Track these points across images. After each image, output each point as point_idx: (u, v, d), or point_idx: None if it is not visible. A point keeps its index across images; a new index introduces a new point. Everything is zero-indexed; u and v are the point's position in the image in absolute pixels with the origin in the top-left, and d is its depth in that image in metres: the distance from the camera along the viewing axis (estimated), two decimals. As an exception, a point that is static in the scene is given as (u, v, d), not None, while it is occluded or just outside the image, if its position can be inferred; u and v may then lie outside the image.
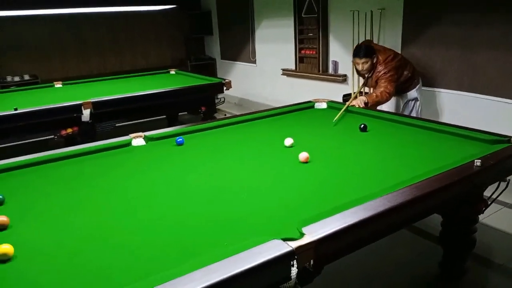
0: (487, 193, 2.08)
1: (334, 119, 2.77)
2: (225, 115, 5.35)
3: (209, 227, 1.46)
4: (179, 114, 5.55)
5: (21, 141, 4.19)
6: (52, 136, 3.83)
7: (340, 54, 5.18)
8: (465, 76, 3.92)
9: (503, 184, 2.08)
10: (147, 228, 1.47)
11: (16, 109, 3.42)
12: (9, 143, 4.24)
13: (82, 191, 1.83)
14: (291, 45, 5.76)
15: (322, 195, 1.67)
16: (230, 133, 2.66)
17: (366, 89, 4.07)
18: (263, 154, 2.25)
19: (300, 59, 5.67)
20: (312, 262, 1.30)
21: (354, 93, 3.65)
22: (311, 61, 5.53)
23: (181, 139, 2.43)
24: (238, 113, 4.59)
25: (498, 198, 2.12)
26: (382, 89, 3.32)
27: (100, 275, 1.20)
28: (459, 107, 4.00)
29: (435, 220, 2.27)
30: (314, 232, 1.29)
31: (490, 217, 2.87)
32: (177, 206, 1.64)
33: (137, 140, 2.50)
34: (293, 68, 5.80)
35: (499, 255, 2.51)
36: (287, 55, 5.90)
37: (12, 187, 1.87)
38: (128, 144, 2.46)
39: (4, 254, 1.27)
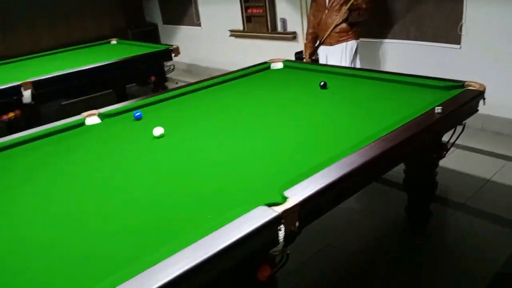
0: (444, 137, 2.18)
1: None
2: (177, 83, 5.18)
3: (188, 203, 1.40)
4: (127, 86, 5.30)
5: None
6: (-8, 123, 3.54)
7: (288, 11, 5.10)
8: (412, 25, 4.00)
9: (459, 128, 2.18)
10: (122, 212, 1.40)
11: None
12: None
13: (42, 181, 1.70)
14: (237, 5, 5.59)
15: (296, 157, 1.67)
16: (188, 102, 2.56)
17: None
18: (228, 123, 2.19)
19: (247, 19, 5.54)
20: (297, 223, 1.30)
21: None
22: (259, 20, 5.41)
23: (139, 113, 2.31)
24: (189, 80, 4.46)
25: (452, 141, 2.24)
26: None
27: (81, 266, 1.14)
28: (409, 56, 4.11)
29: (397, 168, 2.36)
30: (296, 195, 1.29)
31: (446, 159, 3.03)
32: (150, 186, 1.56)
33: (92, 119, 2.34)
34: (241, 28, 5.67)
35: (460, 195, 2.68)
36: (233, 16, 5.73)
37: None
38: (81, 124, 2.31)
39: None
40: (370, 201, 2.76)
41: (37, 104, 3.55)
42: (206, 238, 1.12)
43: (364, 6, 3.63)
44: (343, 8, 3.66)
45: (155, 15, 7.45)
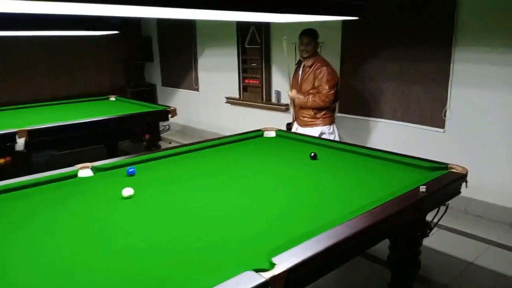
0: (427, 217, 2.24)
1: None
2: (170, 143, 5.27)
3: (174, 263, 1.40)
4: (120, 141, 5.36)
5: None
6: (-19, 167, 3.52)
7: (282, 84, 5.36)
8: (400, 107, 4.23)
9: (442, 208, 2.25)
10: (108, 266, 1.39)
11: None
12: None
13: (31, 229, 1.68)
14: (234, 74, 5.87)
15: (285, 223, 1.70)
16: (181, 162, 2.62)
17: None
18: (219, 185, 2.23)
19: (244, 88, 5.79)
20: (284, 291, 1.31)
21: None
22: (254, 90, 5.66)
23: (132, 169, 2.35)
24: (182, 141, 4.54)
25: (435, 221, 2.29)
26: (317, 97, 3.61)
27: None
28: (395, 136, 4.30)
29: (382, 244, 2.38)
30: (284, 262, 1.31)
31: (429, 239, 3.06)
32: (137, 242, 1.56)
33: (84, 171, 2.37)
34: (237, 96, 5.90)
35: (442, 276, 2.68)
36: (231, 84, 5.99)
37: None
38: (74, 175, 2.33)
39: None
40: (353, 276, 2.74)
41: (29, 152, 3.57)
42: (192, 299, 1.11)
43: (325, 94, 3.61)
44: (310, 92, 3.68)
45: (155, 77, 7.75)
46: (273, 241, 1.47)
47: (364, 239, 1.66)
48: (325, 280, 2.56)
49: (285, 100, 5.35)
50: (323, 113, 3.71)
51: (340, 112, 4.77)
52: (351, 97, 4.62)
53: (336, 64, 4.67)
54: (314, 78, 3.64)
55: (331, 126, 3.78)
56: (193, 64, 6.74)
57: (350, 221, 1.62)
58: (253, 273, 1.24)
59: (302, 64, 3.77)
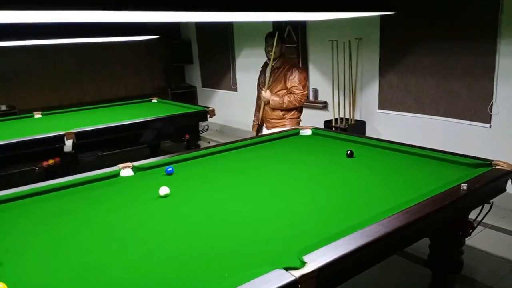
0: (471, 215, 2.15)
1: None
2: (209, 142, 5.36)
3: (205, 260, 1.43)
4: (162, 142, 5.53)
5: (1, 172, 4.06)
6: (34, 167, 3.75)
7: (320, 82, 5.32)
8: (441, 101, 4.08)
9: (486, 206, 2.15)
10: (142, 263, 1.44)
11: (-5, 141, 3.34)
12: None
13: (73, 227, 1.78)
14: (271, 73, 5.87)
15: (318, 222, 1.69)
16: (218, 161, 2.67)
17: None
18: (254, 183, 2.26)
19: (281, 87, 5.78)
20: (313, 290, 1.31)
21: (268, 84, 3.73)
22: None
23: (171, 169, 2.42)
24: (220, 140, 4.61)
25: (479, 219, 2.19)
26: (292, 98, 3.59)
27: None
28: (436, 132, 4.14)
29: (422, 243, 2.31)
30: (315, 260, 1.30)
31: (474, 238, 2.94)
32: (172, 240, 1.61)
33: (126, 171, 2.47)
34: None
35: (487, 277, 2.56)
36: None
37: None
38: (116, 175, 2.43)
39: (-1, 293, 1.23)
40: (391, 275, 2.67)
41: (76, 153, 3.75)
42: (222, 295, 1.14)
43: (300, 94, 3.63)
44: (279, 92, 3.64)
45: (195, 78, 7.91)
46: (304, 240, 1.47)
47: (399, 239, 1.62)
48: (361, 279, 2.52)
49: (322, 97, 5.30)
50: (291, 113, 3.71)
51: (379, 108, 4.66)
52: (390, 93, 4.51)
53: (374, 60, 4.58)
54: (285, 80, 3.63)
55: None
56: (231, 65, 6.82)
57: (384, 220, 1.58)
58: (283, 271, 1.25)
59: (270, 66, 3.68)
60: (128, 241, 1.63)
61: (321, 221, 1.71)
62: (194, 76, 7.91)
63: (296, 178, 2.28)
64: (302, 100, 3.66)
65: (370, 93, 4.73)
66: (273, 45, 3.54)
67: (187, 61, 7.83)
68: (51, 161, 3.73)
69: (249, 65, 6.47)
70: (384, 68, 4.49)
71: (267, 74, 3.75)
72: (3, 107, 6.14)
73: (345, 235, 1.47)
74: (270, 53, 3.59)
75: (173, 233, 1.68)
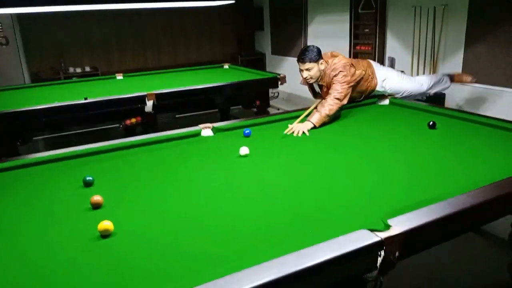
0: None
1: (285, 132, 2.51)
2: (278, 109, 5.39)
3: (292, 218, 1.48)
4: (232, 107, 5.65)
5: (89, 128, 4.43)
6: (118, 125, 4.04)
7: (397, 50, 5.08)
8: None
9: None
10: (233, 215, 1.53)
11: (86, 99, 3.62)
12: (78, 130, 4.50)
13: (165, 177, 1.93)
14: (345, 41, 5.71)
15: (402, 190, 1.67)
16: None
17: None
18: (335, 149, 2.27)
19: (354, 55, 5.61)
20: (397, 253, 1.31)
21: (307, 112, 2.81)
22: (366, 57, 5.45)
23: (248, 131, 2.49)
24: (287, 108, 4.61)
25: None
26: (332, 96, 2.75)
27: (196, 256, 1.26)
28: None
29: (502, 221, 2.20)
30: (400, 224, 1.31)
31: None
32: (254, 197, 1.68)
33: (206, 131, 2.59)
34: (347, 64, 5.74)
35: None
36: (340, 51, 5.80)
37: (99, 171, 2.00)
38: (197, 134, 2.56)
39: (106, 230, 1.38)
40: (470, 252, 2.58)
41: (155, 113, 3.96)
42: (308, 249, 1.19)
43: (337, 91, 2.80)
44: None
45: (265, 45, 7.89)
46: (390, 205, 1.47)
47: (486, 212, 1.56)
48: (437, 251, 2.48)
49: (399, 66, 5.07)
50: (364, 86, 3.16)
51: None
52: (476, 65, 4.20)
53: (460, 29, 4.27)
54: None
55: None
56: (302, 32, 6.70)
57: (473, 191, 1.53)
58: (368, 231, 1.27)
59: (316, 85, 3.14)
60: (217, 193, 1.73)
61: (407, 188, 1.69)
62: (265, 43, 7.89)
63: (379, 147, 2.24)
64: (344, 94, 2.79)
65: (453, 65, 4.44)
66: (307, 70, 2.87)
67: (258, 28, 7.81)
68: (133, 120, 3.99)
69: (322, 31, 6.32)
70: (471, 38, 4.17)
71: (317, 89, 3.22)
72: (87, 68, 6.59)
73: (431, 203, 1.45)
74: (308, 79, 2.95)
75: (257, 189, 1.75)
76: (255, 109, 4.75)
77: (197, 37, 7.58)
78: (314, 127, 2.60)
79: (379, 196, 1.63)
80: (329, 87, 2.89)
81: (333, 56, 3.03)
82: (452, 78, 3.71)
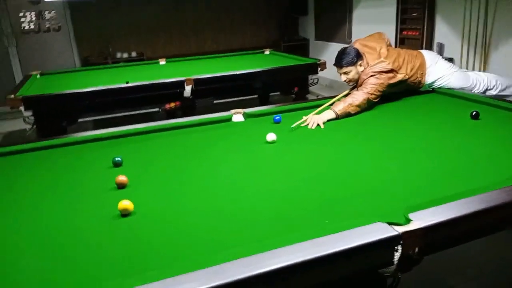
0: None
1: (293, 125, 2.32)
2: (317, 96, 5.28)
3: (311, 207, 1.45)
4: (271, 94, 5.61)
5: (131, 112, 4.57)
6: (158, 109, 4.14)
7: (447, 35, 4.80)
8: None
9: None
10: (252, 200, 1.53)
11: (127, 83, 3.73)
12: (120, 113, 4.66)
13: (191, 160, 1.96)
14: (391, 26, 5.47)
15: (431, 183, 1.59)
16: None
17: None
18: (365, 138, 2.19)
19: (401, 41, 5.37)
20: (417, 250, 1.25)
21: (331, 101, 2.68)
22: (413, 43, 5.20)
23: (278, 117, 2.46)
24: (329, 95, 4.50)
25: None
26: (361, 89, 2.59)
27: (210, 239, 1.28)
28: None
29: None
30: (422, 219, 1.24)
31: None
32: (277, 184, 1.67)
33: (237, 116, 2.59)
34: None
35: None
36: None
37: (128, 152, 2.07)
38: (229, 119, 2.57)
39: (125, 209, 1.42)
40: (507, 250, 2.43)
41: (194, 98, 4.02)
42: (322, 238, 1.16)
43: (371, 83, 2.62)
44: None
45: (308, 31, 7.74)
46: (414, 199, 1.40)
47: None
48: (472, 246, 2.35)
49: (448, 53, 4.79)
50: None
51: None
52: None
53: None
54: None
55: None
56: (347, 17, 6.49)
57: (508, 188, 1.42)
58: (385, 225, 1.21)
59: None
60: (240, 177, 1.74)
61: (435, 181, 1.60)
62: (308, 28, 7.73)
63: (413, 137, 2.15)
64: (375, 89, 2.59)
65: (507, 50, 4.13)
66: (345, 74, 2.73)
67: (302, 13, 7.66)
68: (172, 104, 4.07)
69: (367, 16, 6.09)
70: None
71: None
72: (134, 54, 6.78)
73: (460, 198, 1.36)
74: (348, 83, 2.80)
75: (279, 175, 1.74)
76: (293, 96, 4.69)
77: (240, 23, 7.56)
78: (336, 118, 2.47)
79: (404, 188, 1.56)
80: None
81: (371, 49, 2.78)
82: None
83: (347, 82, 2.79)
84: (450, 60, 4.71)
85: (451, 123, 2.31)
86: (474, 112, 2.33)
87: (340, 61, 2.72)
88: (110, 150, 2.08)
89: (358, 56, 2.70)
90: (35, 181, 1.80)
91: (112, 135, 2.30)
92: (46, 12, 6.30)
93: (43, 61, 6.26)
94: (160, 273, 1.03)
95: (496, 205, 1.33)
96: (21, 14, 6.19)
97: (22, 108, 3.40)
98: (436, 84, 2.97)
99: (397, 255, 1.21)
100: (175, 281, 1.00)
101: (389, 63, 2.68)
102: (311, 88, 5.18)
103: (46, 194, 1.66)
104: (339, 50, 2.85)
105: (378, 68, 2.66)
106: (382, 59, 2.70)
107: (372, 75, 2.64)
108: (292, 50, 7.14)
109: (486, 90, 2.99)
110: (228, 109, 2.66)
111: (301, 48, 7.69)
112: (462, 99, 2.73)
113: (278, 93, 5.69)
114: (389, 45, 3.05)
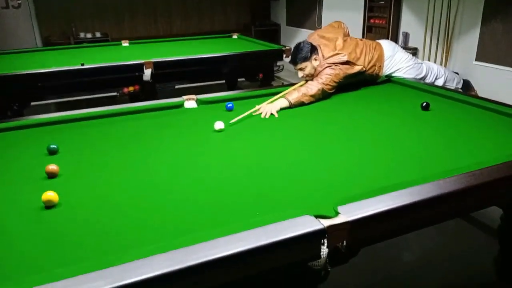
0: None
1: (232, 121, 2.17)
2: (282, 84, 5.25)
3: (244, 197, 1.43)
4: (239, 80, 5.53)
5: (87, 96, 4.42)
6: (115, 94, 4.01)
7: (412, 25, 4.82)
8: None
9: None
10: (184, 190, 1.49)
11: (82, 65, 3.57)
12: (76, 97, 4.50)
13: (132, 148, 1.89)
14: (359, 14, 5.47)
15: (367, 175, 1.58)
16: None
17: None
18: (315, 127, 2.17)
19: (368, 29, 5.38)
20: (345, 243, 1.24)
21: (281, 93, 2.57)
22: (379, 31, 5.22)
23: (231, 105, 2.41)
24: (295, 82, 4.47)
25: None
26: (315, 80, 2.56)
27: (131, 231, 1.24)
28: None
29: (493, 211, 2.08)
30: (350, 213, 1.22)
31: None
32: (217, 171, 1.63)
33: (189, 103, 2.52)
34: (360, 38, 5.51)
35: None
36: (354, 24, 5.58)
37: (67, 139, 1.98)
38: (180, 105, 2.49)
39: (49, 201, 1.35)
40: (454, 241, 2.48)
41: (154, 83, 3.90)
42: (243, 233, 1.12)
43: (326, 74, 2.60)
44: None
45: (280, 16, 7.66)
46: (347, 191, 1.38)
47: (456, 204, 1.46)
48: (416, 239, 2.39)
49: (413, 43, 4.83)
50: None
51: (477, 60, 4.14)
52: (492, 43, 3.95)
53: (477, 4, 3.99)
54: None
55: None
56: (317, 3, 6.44)
57: (441, 181, 1.42)
58: (312, 218, 1.19)
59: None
60: (178, 168, 1.68)
61: (375, 172, 1.59)
62: (280, 13, 7.65)
63: (358, 127, 2.14)
64: (330, 80, 2.56)
65: (468, 42, 4.19)
66: (301, 70, 2.69)
67: (274, -3, 7.57)
68: (131, 88, 3.97)
69: (336, 3, 6.06)
70: (489, 14, 3.90)
71: None
72: (98, 34, 6.55)
73: (391, 191, 1.35)
74: (306, 78, 2.70)
75: (220, 167, 1.69)
76: (259, 82, 4.63)
77: (210, 6, 7.40)
78: (289, 107, 2.43)
79: (342, 179, 1.54)
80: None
81: (328, 41, 2.74)
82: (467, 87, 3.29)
83: (304, 77, 2.72)
84: (414, 50, 4.76)
85: (401, 113, 2.31)
86: (425, 103, 2.34)
87: (294, 58, 2.68)
88: (49, 137, 1.98)
89: (312, 50, 2.66)
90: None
91: (52, 120, 2.20)
92: (5, -12, 6.00)
93: (2, 40, 5.97)
94: (66, 271, 0.98)
95: (423, 199, 1.32)
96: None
97: (-34, 90, 3.22)
98: (393, 75, 2.97)
99: (324, 249, 1.19)
100: (78, 280, 0.95)
101: (345, 55, 2.65)
102: (278, 74, 5.14)
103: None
104: (293, 46, 2.79)
105: (333, 60, 2.63)
106: (337, 51, 2.66)
107: (327, 66, 2.61)
108: (263, 35, 7.06)
109: (436, 79, 3.03)
110: (191, 94, 2.58)
111: (273, 34, 7.62)
112: (416, 89, 2.74)
113: (244, 79, 5.64)
114: (347, 34, 3.02)
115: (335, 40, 2.75)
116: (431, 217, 1.46)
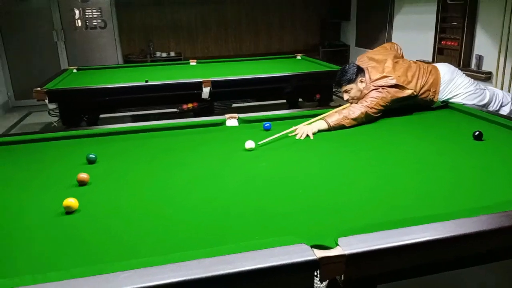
0: None
1: (261, 142, 2.14)
2: (340, 105, 5.14)
3: (250, 219, 1.41)
4: (300, 100, 5.52)
5: (151, 111, 4.69)
6: (176, 110, 4.22)
7: (486, 47, 4.47)
8: None
9: None
10: (192, 208, 1.51)
11: (146, 82, 3.83)
12: (139, 111, 4.80)
13: (162, 163, 1.97)
14: (430, 34, 5.19)
15: (385, 205, 1.47)
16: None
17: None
18: (350, 151, 2.10)
19: (439, 50, 5.07)
20: (343, 276, 1.16)
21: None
22: (451, 53, 4.90)
23: (268, 125, 2.41)
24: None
25: None
26: (362, 104, 2.45)
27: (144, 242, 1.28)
28: None
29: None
30: (350, 245, 1.15)
31: None
32: (231, 191, 1.64)
33: (231, 121, 2.57)
34: (430, 60, 5.23)
35: None
36: (425, 45, 5.33)
37: (108, 150, 2.12)
38: (222, 123, 2.55)
39: (68, 207, 1.44)
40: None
41: (212, 100, 4.04)
42: (230, 256, 1.11)
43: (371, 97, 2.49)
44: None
45: (350, 37, 7.54)
46: (357, 222, 1.31)
47: (483, 246, 1.30)
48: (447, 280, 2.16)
49: (487, 67, 4.46)
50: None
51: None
52: None
53: None
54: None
55: None
56: (387, 23, 6.25)
57: (468, 219, 1.27)
58: (306, 247, 1.13)
59: None
60: (197, 185, 1.72)
61: (392, 204, 1.49)
62: (350, 34, 7.53)
63: (394, 154, 2.01)
64: (375, 103, 2.46)
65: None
66: (346, 92, 2.62)
67: (344, 18, 7.48)
68: (190, 105, 4.14)
69: (407, 23, 5.83)
70: None
71: None
72: (172, 53, 6.97)
73: (403, 226, 1.24)
74: (351, 101, 2.63)
75: (238, 186, 1.69)
76: (316, 102, 4.58)
77: (279, 26, 7.53)
78: (328, 130, 2.37)
79: (357, 208, 1.46)
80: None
81: (376, 63, 2.64)
82: None
83: (350, 100, 2.64)
84: (488, 74, 4.40)
85: (447, 142, 2.14)
86: (477, 132, 2.14)
87: (339, 80, 2.62)
88: (92, 148, 2.14)
89: (359, 72, 2.57)
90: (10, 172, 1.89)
91: (101, 132, 2.37)
92: (94, 10, 6.64)
93: (88, 57, 6.61)
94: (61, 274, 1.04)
95: (442, 238, 1.20)
96: (71, 11, 6.57)
97: (46, 100, 3.60)
98: (451, 101, 2.76)
99: (317, 281, 1.13)
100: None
101: (393, 78, 2.52)
102: (336, 96, 5.03)
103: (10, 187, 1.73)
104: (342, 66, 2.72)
105: (380, 82, 2.52)
106: (385, 73, 2.55)
107: (374, 89, 2.51)
108: (331, 56, 7.00)
109: (500, 106, 2.74)
110: (244, 112, 2.66)
111: (340, 54, 7.52)
112: (474, 116, 2.52)
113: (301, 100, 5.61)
114: (400, 56, 2.88)
115: (384, 62, 2.64)
116: (447, 260, 1.31)
